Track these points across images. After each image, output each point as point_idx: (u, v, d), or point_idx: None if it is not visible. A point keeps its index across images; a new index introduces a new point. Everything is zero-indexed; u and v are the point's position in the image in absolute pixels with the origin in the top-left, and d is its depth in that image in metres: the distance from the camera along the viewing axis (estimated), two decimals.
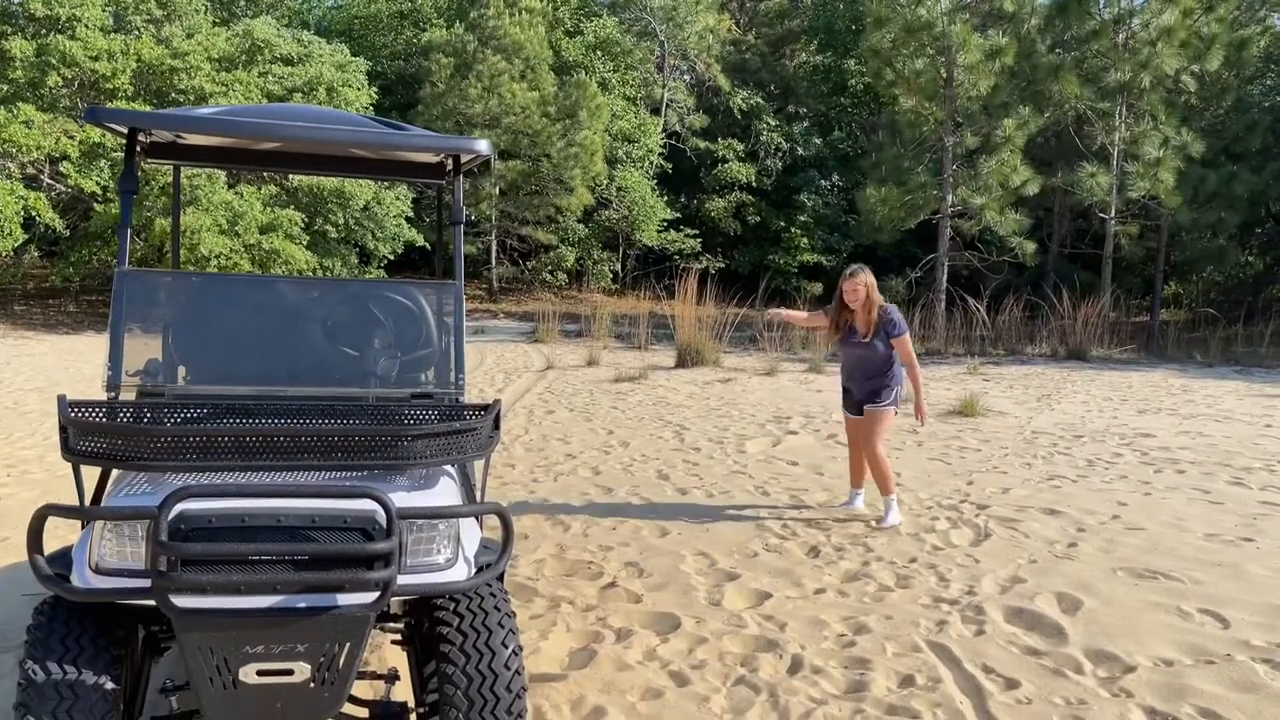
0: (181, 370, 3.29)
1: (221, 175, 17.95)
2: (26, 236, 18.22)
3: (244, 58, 19.93)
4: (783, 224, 29.59)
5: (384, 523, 2.52)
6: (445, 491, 2.90)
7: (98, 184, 17.91)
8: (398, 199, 21.20)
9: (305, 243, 18.69)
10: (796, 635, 4.34)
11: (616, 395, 11.81)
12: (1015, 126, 19.62)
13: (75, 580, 2.55)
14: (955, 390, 12.22)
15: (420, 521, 2.68)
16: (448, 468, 3.05)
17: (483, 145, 3.23)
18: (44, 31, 18.04)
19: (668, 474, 7.54)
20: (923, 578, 5.13)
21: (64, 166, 17.74)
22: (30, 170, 18.16)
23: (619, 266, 29.10)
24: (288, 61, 20.43)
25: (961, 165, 20.72)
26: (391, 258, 21.46)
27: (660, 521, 6.15)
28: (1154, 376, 14.85)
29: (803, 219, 29.31)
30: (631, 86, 29.23)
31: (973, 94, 19.98)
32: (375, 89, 26.05)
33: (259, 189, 18.82)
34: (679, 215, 29.02)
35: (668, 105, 30.01)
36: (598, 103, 24.76)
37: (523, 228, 26.31)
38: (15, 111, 16.87)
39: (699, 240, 28.92)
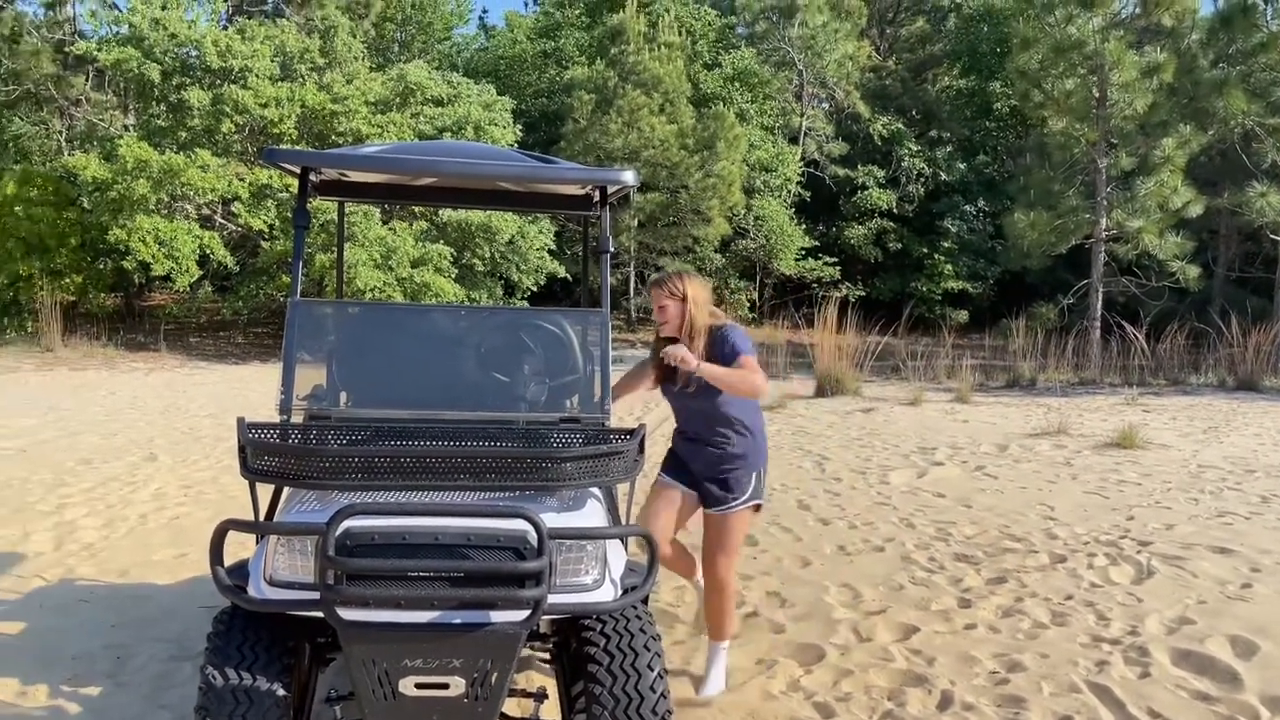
0: (344, 395, 3.48)
1: (376, 212, 18.80)
2: (201, 273, 19.50)
3: (398, 100, 20.87)
4: (925, 250, 28.97)
5: (535, 542, 2.60)
6: (592, 514, 2.97)
7: (265, 223, 19.03)
8: (541, 233, 21.73)
9: (453, 275, 19.36)
10: (946, 670, 4.22)
11: None
12: (1175, 146, 18.69)
13: (251, 591, 2.72)
14: (1113, 421, 11.67)
15: (569, 542, 2.75)
16: (594, 491, 3.12)
17: (629, 176, 3.32)
18: (219, 82, 19.36)
19: (809, 504, 7.46)
20: (1080, 616, 4.91)
21: (235, 207, 18.92)
22: (205, 211, 19.44)
23: (756, 295, 29.01)
24: (438, 102, 21.28)
25: (1116, 187, 19.85)
26: (534, 289, 21.98)
27: (802, 552, 6.08)
28: None
29: (946, 245, 28.62)
30: (769, 116, 29.23)
31: (1128, 113, 19.15)
32: (520, 126, 26.87)
33: (410, 225, 19.62)
34: (817, 243, 28.77)
35: (806, 133, 29.88)
36: (735, 133, 24.85)
37: (660, 258, 26.57)
38: (193, 157, 18.12)
39: (838, 268, 28.58)
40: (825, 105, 31.51)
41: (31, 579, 5.21)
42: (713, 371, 3.66)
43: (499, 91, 24.39)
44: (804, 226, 28.32)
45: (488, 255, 20.17)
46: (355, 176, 3.63)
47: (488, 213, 19.62)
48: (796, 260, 27.85)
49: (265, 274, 19.71)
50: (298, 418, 3.15)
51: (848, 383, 14.64)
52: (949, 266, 28.32)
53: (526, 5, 37.04)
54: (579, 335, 3.42)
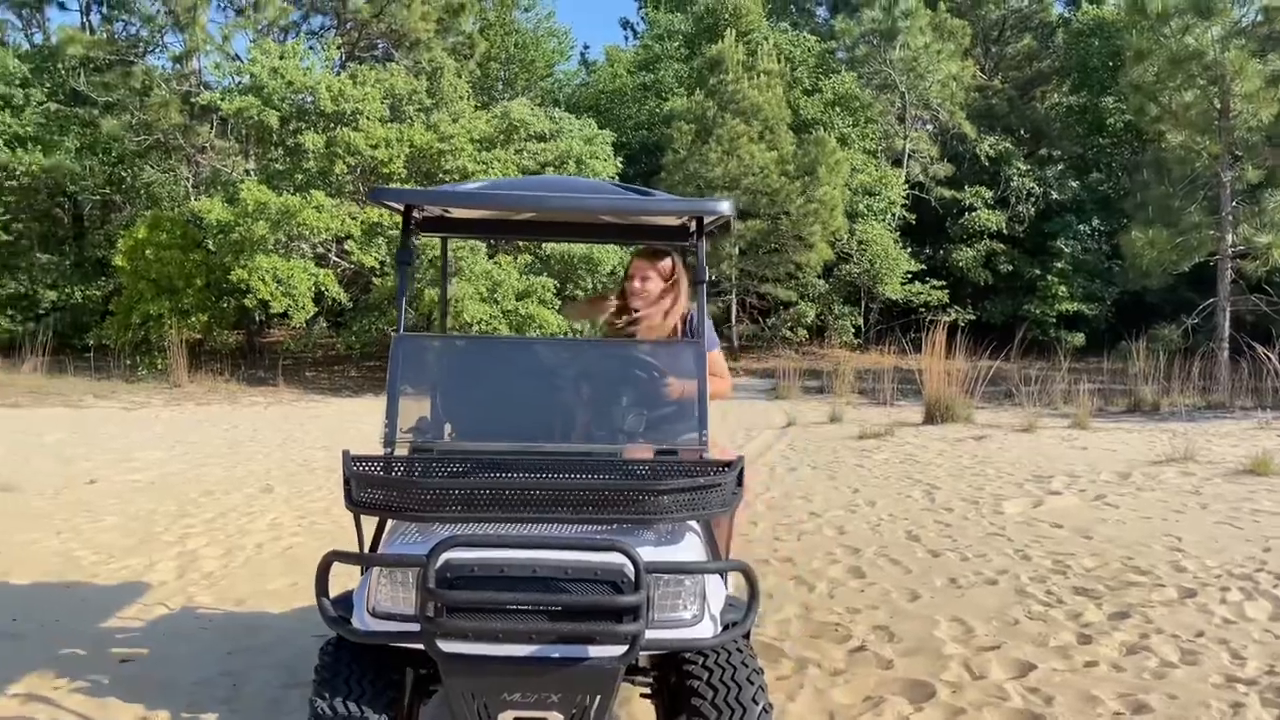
0: (448, 427, 3.52)
1: (482, 247, 19.20)
2: (316, 309, 20.22)
3: (502, 137, 21.36)
4: (1038, 272, 28.12)
5: (632, 576, 2.58)
6: (690, 547, 2.94)
7: (376, 260, 19.65)
8: None
9: (557, 307, 19.64)
10: (1066, 710, 4.02)
11: (861, 452, 11.53)
12: None
13: (355, 622, 2.76)
14: (1244, 447, 11.06)
15: (666, 576, 2.72)
16: (693, 524, 3.08)
17: (725, 206, 3.30)
18: (332, 125, 20.14)
19: (918, 535, 7.25)
20: (1212, 654, 4.63)
21: (348, 245, 19.59)
22: (320, 250, 20.18)
23: (861, 321, 28.57)
24: (540, 138, 21.70)
25: (1242, 201, 18.96)
26: None
27: (911, 584, 5.91)
28: None
29: (1060, 266, 27.74)
30: (872, 140, 28.89)
31: (1253, 124, 18.30)
32: (620, 159, 27.17)
33: (515, 259, 19.99)
34: (924, 267, 28.20)
35: (910, 156, 29.41)
36: (837, 158, 24.63)
37: (762, 285, 26.43)
38: (309, 198, 18.84)
39: (946, 291, 27.95)
40: (929, 127, 30.98)
41: (155, 606, 5.43)
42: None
43: (600, 125, 24.74)
44: (909, 250, 27.81)
45: (590, 286, 20.38)
46: (457, 213, 3.70)
47: (589, 245, 19.86)
48: (902, 284, 27.35)
49: (377, 309, 20.31)
50: (402, 450, 3.20)
51: (958, 409, 14.25)
52: (1063, 288, 27.42)
53: (626, 40, 37.64)
54: (676, 365, 3.39)
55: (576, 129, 22.33)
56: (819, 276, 26.80)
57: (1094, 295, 27.53)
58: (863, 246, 26.70)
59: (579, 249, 19.81)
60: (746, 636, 3.09)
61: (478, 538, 2.62)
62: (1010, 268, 28.59)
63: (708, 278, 3.40)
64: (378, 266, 19.78)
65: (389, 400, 3.14)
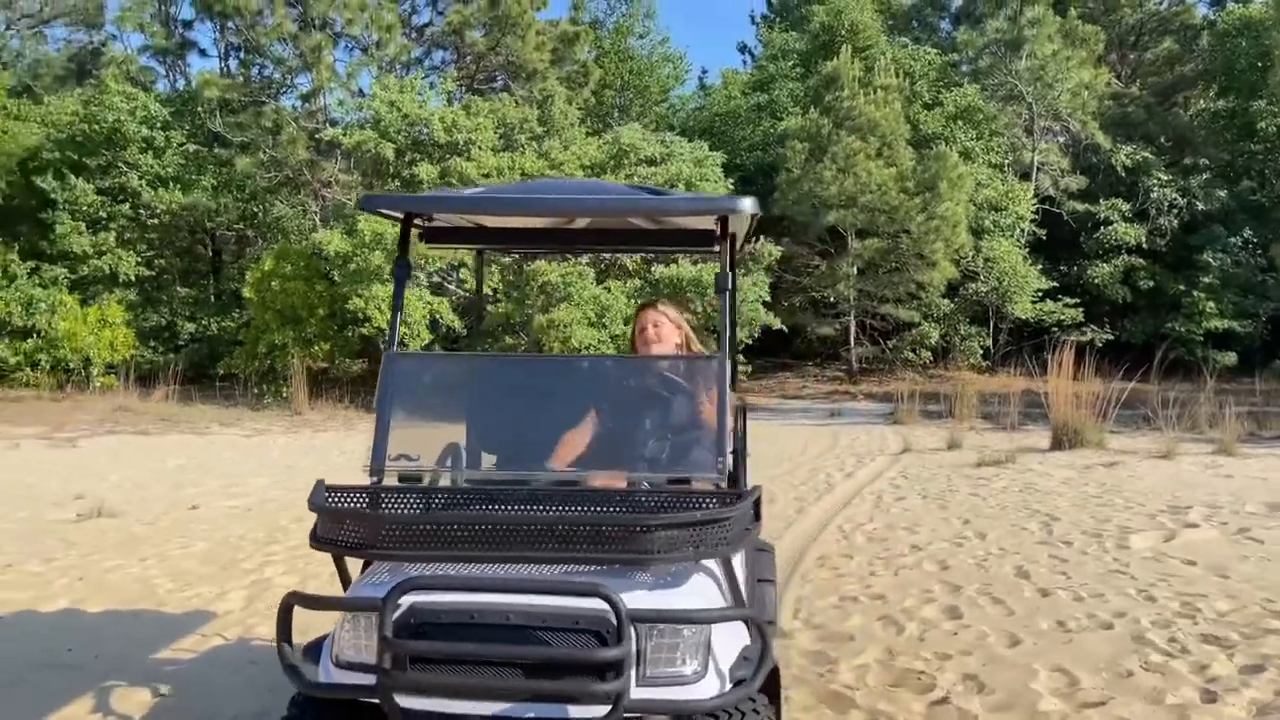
0: (459, 455, 3.25)
1: (591, 272, 19.15)
2: (432, 337, 20.52)
3: (612, 162, 21.37)
4: (1182, 288, 26.41)
5: (615, 625, 2.24)
6: (698, 592, 2.57)
7: (489, 287, 19.84)
8: (755, 285, 21.45)
9: None
10: None
11: (978, 481, 10.82)
12: None
13: (320, 672, 2.51)
14: None
15: (661, 626, 2.36)
16: (709, 564, 2.72)
17: (747, 204, 2.93)
18: (446, 156, 20.51)
19: (1028, 571, 6.63)
20: None
21: (462, 273, 19.84)
22: (435, 278, 20.51)
23: (990, 342, 27.35)
24: (650, 162, 21.61)
25: None
26: (749, 342, 21.68)
27: (1012, 627, 5.34)
28: None
29: (1207, 281, 25.97)
30: (997, 153, 27.76)
31: None
32: (734, 180, 26.84)
33: (624, 283, 19.87)
34: (1056, 284, 26.85)
35: (1039, 169, 28.12)
36: (959, 173, 23.73)
37: (882, 306, 25.61)
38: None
39: (1080, 310, 26.51)
40: (1060, 138, 29.60)
41: (213, 637, 5.35)
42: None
43: (714, 147, 24.50)
44: (1040, 267, 26.54)
45: (699, 309, 20.06)
46: (463, 221, 3.43)
47: (697, 267, 19.60)
48: (1033, 303, 26.09)
49: (490, 335, 20.49)
50: (392, 479, 2.94)
51: (1088, 434, 13.29)
52: (1211, 304, 25.65)
53: (745, 64, 37.37)
54: (695, 384, 3.05)
55: (688, 152, 22.13)
56: (943, 296, 25.81)
57: (1246, 311, 25.67)
58: (990, 264, 25.60)
59: (687, 272, 19.53)
60: (774, 699, 2.69)
61: (444, 579, 2.35)
62: (1151, 284, 26.95)
63: (732, 286, 3.03)
64: (490, 294, 19.95)
65: (378, 424, 2.87)
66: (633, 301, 19.09)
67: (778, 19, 35.50)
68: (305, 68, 26.22)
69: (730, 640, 2.57)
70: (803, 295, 25.85)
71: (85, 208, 23.85)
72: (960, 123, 27.45)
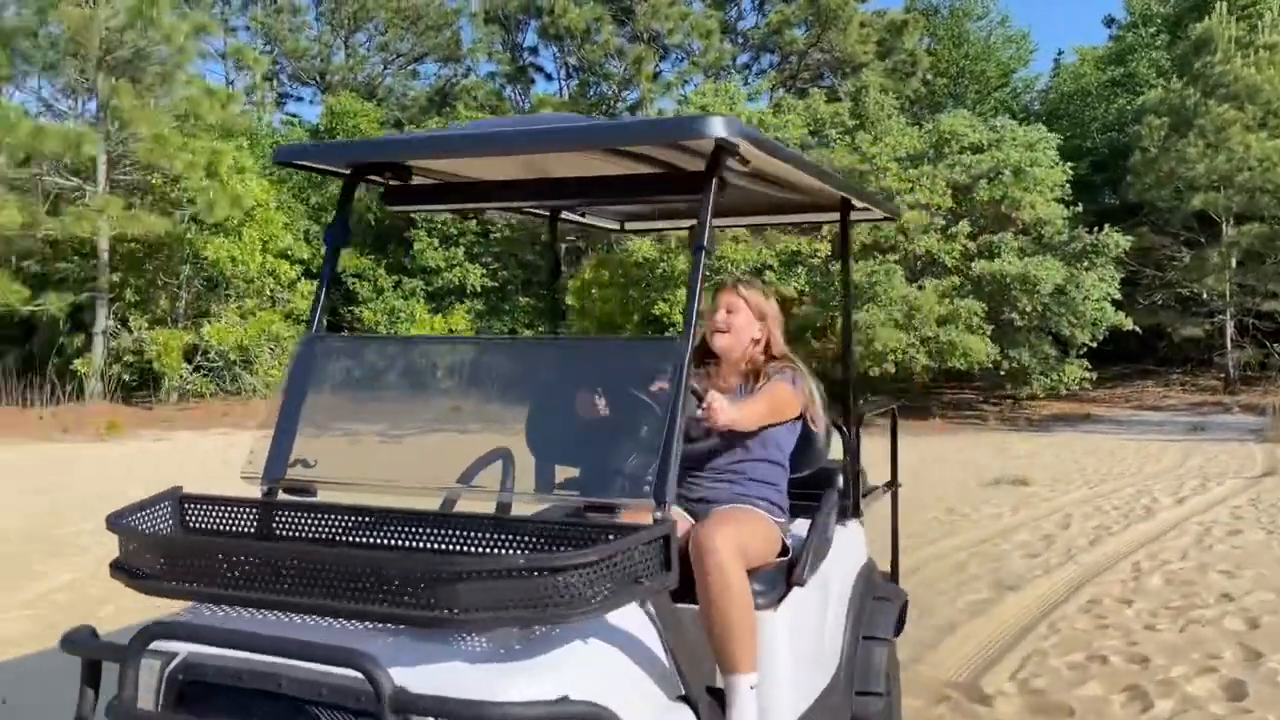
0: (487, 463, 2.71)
1: (899, 270, 17.80)
2: None
3: (931, 152, 19.91)
4: None
5: (385, 708, 1.62)
6: (553, 668, 1.83)
7: (796, 288, 19.17)
8: (1101, 280, 18.96)
9: (987, 333, 17.66)
10: None
11: None
12: None
13: None
14: None
15: None
16: (624, 623, 1.98)
17: (716, 124, 2.12)
18: None
19: None
20: None
21: (768, 275, 19.33)
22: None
23: None
24: (976, 149, 19.85)
25: None
26: (1092, 345, 19.17)
27: None
28: None
29: None
30: None
31: None
32: (1084, 164, 24.11)
33: (941, 280, 18.33)
34: None
35: None
36: None
37: (1267, 302, 21.70)
38: (725, 231, 18.94)
39: None
40: None
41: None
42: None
43: (1062, 130, 22.13)
44: None
45: (1029, 309, 18.06)
46: (422, 180, 2.85)
47: (1024, 263, 17.65)
48: None
49: (795, 340, 19.81)
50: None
51: None
52: None
53: (1111, 37, 33.38)
54: (641, 379, 2.29)
55: (1020, 136, 20.06)
56: None
57: None
58: None
59: (1013, 268, 17.63)
60: None
61: (189, 627, 1.86)
62: None
63: (708, 243, 2.23)
64: (797, 296, 19.26)
65: (279, 419, 2.39)
66: (945, 301, 17.57)
67: None
68: (630, 81, 27.08)
69: None
70: (1165, 291, 22.60)
71: (439, 225, 26.13)
72: None
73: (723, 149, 2.23)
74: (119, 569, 2.07)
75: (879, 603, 3.21)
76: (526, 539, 2.00)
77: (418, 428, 2.48)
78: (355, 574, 1.78)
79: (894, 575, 3.86)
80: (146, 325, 21.29)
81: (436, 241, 26.17)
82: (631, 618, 1.97)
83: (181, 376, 20.77)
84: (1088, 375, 19.15)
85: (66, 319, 20.95)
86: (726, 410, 2.52)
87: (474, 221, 26.52)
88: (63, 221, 18.76)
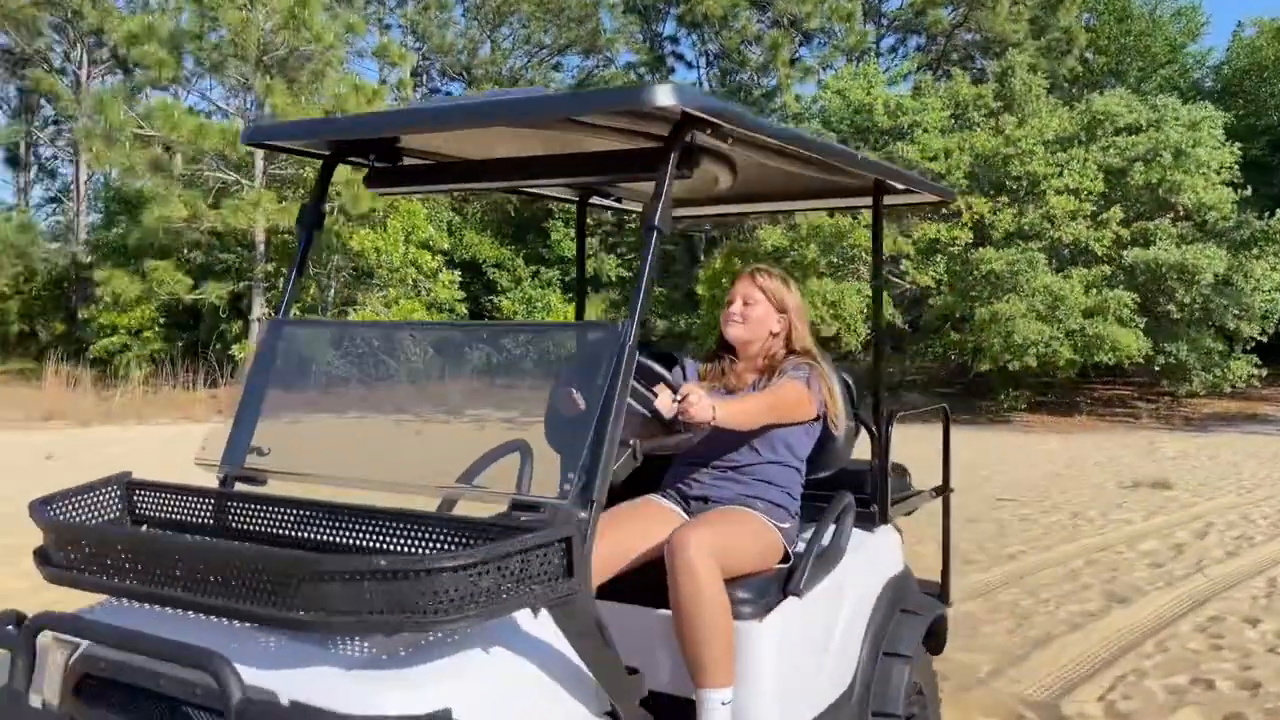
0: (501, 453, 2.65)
1: (1041, 259, 16.85)
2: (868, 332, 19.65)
3: (1083, 134, 18.78)
4: None
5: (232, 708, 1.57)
6: (411, 683, 1.70)
7: (933, 278, 18.48)
8: (1273, 270, 17.49)
9: (1141, 326, 16.54)
10: None
11: None
12: None
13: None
14: None
15: None
16: (538, 633, 1.86)
17: (660, 92, 1.95)
18: (889, 141, 19.46)
19: None
20: None
21: (904, 264, 18.71)
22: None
23: None
24: (1133, 130, 18.61)
25: None
26: (1260, 339, 17.69)
27: None
28: None
29: None
30: None
31: None
32: (1262, 144, 22.37)
33: (1089, 270, 17.27)
34: None
35: None
36: None
37: None
38: (857, 219, 18.40)
39: None
40: None
41: None
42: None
43: (1236, 108, 20.55)
44: None
45: (1187, 300, 16.83)
46: (409, 161, 2.76)
47: (1182, 251, 16.47)
48: None
49: (934, 331, 19.12)
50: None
51: None
52: None
53: None
54: (586, 363, 2.13)
55: (1184, 115, 18.71)
56: None
57: None
58: None
59: (1169, 256, 16.46)
60: None
61: (69, 621, 1.84)
62: None
63: (658, 222, 2.08)
64: (934, 285, 18.57)
65: (239, 406, 2.36)
66: (1093, 293, 16.57)
67: None
68: (767, 67, 26.68)
69: None
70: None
71: (573, 214, 26.47)
72: None
73: (685, 122, 2.09)
74: (36, 555, 2.07)
75: (905, 616, 2.97)
76: (442, 538, 1.91)
77: (367, 413, 2.44)
78: (222, 568, 1.73)
79: (944, 589, 3.57)
80: (298, 313, 22.37)
81: (572, 231, 26.49)
82: (544, 626, 1.86)
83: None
84: (1257, 372, 17.70)
85: (227, 306, 22.23)
86: (705, 408, 2.33)
87: (608, 213, 26.72)
88: (222, 214, 19.86)
